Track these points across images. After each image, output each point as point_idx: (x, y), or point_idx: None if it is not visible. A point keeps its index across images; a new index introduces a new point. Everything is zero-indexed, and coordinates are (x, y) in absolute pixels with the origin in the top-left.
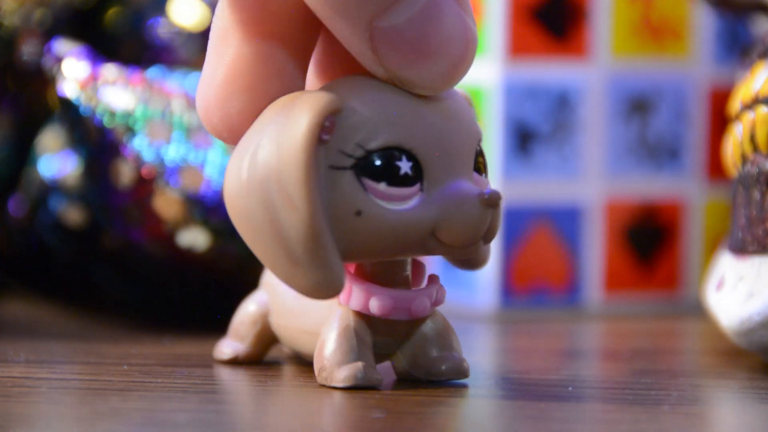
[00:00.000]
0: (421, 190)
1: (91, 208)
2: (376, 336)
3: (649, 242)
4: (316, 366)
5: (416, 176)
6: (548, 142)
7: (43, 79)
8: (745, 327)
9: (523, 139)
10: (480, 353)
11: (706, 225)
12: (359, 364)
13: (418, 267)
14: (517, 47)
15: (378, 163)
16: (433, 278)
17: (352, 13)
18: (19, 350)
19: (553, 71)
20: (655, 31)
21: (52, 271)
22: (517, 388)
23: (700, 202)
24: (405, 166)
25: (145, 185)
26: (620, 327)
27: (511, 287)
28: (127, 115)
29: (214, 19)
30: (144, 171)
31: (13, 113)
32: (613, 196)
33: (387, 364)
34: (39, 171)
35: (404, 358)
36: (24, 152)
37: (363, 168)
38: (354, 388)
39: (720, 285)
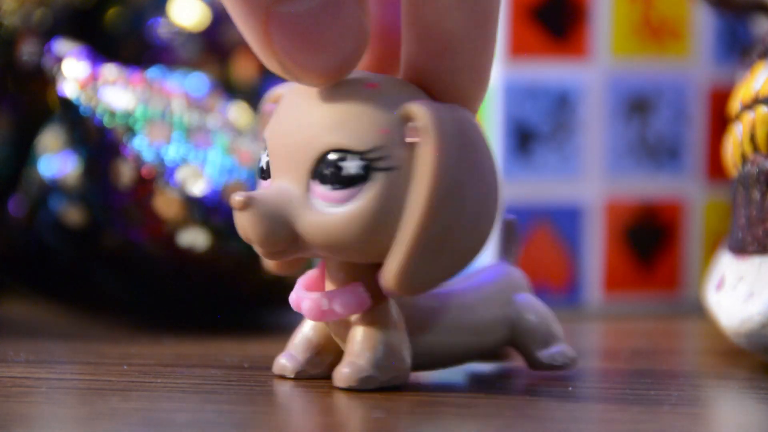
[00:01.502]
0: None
1: (91, 208)
2: (335, 335)
3: (649, 242)
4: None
5: (268, 172)
6: (548, 142)
7: (43, 79)
8: (745, 327)
9: (523, 139)
10: None
11: (706, 225)
12: (297, 360)
13: (340, 272)
14: (517, 47)
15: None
16: (353, 283)
17: None
18: (19, 350)
19: (553, 71)
20: (655, 31)
21: (52, 271)
22: (518, 388)
23: (700, 202)
24: (263, 159)
25: (145, 185)
26: (620, 327)
27: None
28: (127, 115)
29: None
30: (144, 171)
31: (13, 113)
32: (613, 196)
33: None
34: (39, 171)
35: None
36: (24, 152)
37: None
38: (279, 376)
39: (720, 285)
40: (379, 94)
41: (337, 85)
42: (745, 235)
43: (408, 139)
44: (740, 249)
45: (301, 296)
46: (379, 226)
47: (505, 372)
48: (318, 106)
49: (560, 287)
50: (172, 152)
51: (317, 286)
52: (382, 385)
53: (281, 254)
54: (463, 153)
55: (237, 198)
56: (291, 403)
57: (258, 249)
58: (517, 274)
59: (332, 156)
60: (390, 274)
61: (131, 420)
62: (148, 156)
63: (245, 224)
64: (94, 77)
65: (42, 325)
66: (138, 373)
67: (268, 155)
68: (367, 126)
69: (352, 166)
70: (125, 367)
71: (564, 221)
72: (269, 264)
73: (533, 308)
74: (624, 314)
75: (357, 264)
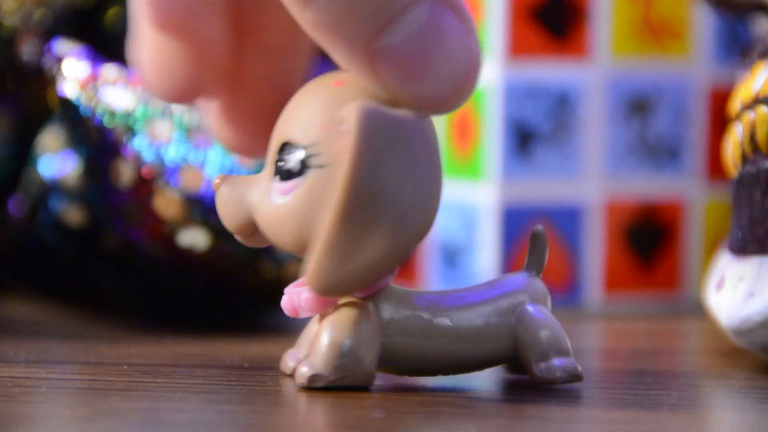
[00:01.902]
0: None
1: (91, 208)
2: None
3: (649, 242)
4: None
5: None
6: (548, 142)
7: (43, 79)
8: (745, 327)
9: (523, 139)
10: None
11: (706, 225)
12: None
13: None
14: (517, 47)
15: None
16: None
17: (349, 34)
18: (19, 350)
19: (553, 71)
20: (655, 31)
21: (52, 271)
22: (518, 388)
23: (700, 202)
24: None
25: (145, 185)
26: (620, 327)
27: None
28: (127, 115)
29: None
30: (144, 171)
31: (13, 113)
32: (613, 196)
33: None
34: (39, 171)
35: None
36: (24, 152)
37: None
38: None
39: (720, 285)
40: (340, 91)
41: (315, 81)
42: (745, 235)
43: (338, 139)
44: (740, 249)
45: (285, 291)
46: (306, 221)
47: (505, 372)
48: (293, 102)
49: (560, 287)
50: (172, 152)
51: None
52: (331, 384)
53: (250, 238)
54: (389, 158)
55: (214, 178)
56: (291, 403)
57: (236, 233)
58: (536, 286)
59: (283, 149)
60: (307, 272)
61: (131, 420)
62: (148, 156)
63: (216, 204)
64: (94, 77)
65: (42, 325)
66: (138, 373)
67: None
68: (312, 121)
69: (292, 160)
70: (125, 367)
71: (564, 221)
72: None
73: (536, 319)
74: (624, 314)
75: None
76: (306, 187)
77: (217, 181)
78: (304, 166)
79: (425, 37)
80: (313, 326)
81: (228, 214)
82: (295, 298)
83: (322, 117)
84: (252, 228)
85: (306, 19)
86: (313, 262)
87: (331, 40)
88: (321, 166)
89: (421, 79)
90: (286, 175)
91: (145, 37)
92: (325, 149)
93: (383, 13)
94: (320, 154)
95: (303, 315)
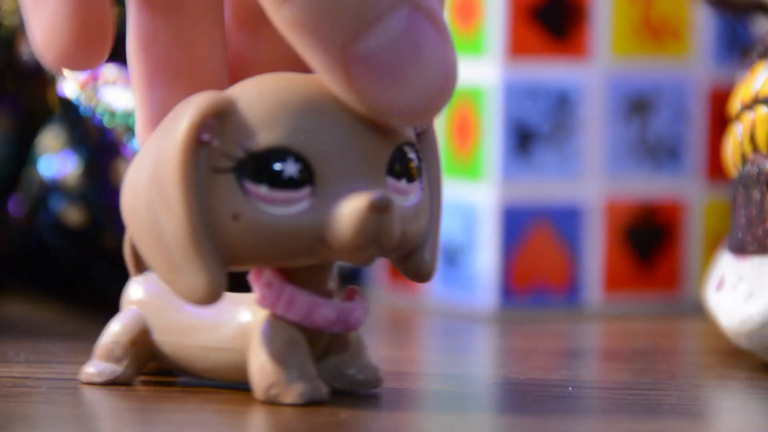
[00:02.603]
0: (314, 194)
1: (91, 208)
2: (311, 345)
3: (649, 242)
4: (263, 383)
5: (305, 179)
6: (548, 142)
7: (43, 79)
8: (745, 327)
9: (523, 139)
10: (480, 353)
11: (706, 225)
12: (312, 380)
13: (329, 276)
14: (517, 47)
15: (259, 165)
16: (353, 291)
17: (325, 37)
18: (19, 350)
19: (553, 71)
20: (655, 31)
21: (52, 271)
22: (517, 389)
23: (700, 202)
24: (291, 168)
25: None
26: (620, 327)
27: (511, 287)
28: (127, 115)
29: None
30: None
31: (13, 113)
32: (613, 196)
33: None
34: (39, 171)
35: (325, 370)
36: (24, 152)
37: (244, 170)
38: (307, 404)
39: (720, 285)
40: None
41: None
42: (745, 235)
43: (416, 129)
44: (740, 249)
45: (347, 308)
46: (428, 214)
47: (504, 372)
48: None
49: (560, 287)
50: None
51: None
52: None
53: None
54: None
55: (385, 200)
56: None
57: (372, 255)
58: None
59: (406, 150)
60: (430, 260)
61: (131, 420)
62: None
63: (383, 227)
64: (94, 77)
65: (42, 325)
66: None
67: (297, 161)
68: None
69: (415, 158)
70: None
71: (564, 221)
72: None
73: None
74: (624, 314)
75: (333, 270)
76: (424, 181)
77: (387, 202)
78: (420, 162)
79: (402, 44)
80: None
81: (399, 234)
82: (366, 306)
83: None
84: None
85: (281, 18)
86: (434, 249)
87: (307, 41)
88: (422, 159)
89: (396, 88)
90: (414, 174)
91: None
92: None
93: (362, 18)
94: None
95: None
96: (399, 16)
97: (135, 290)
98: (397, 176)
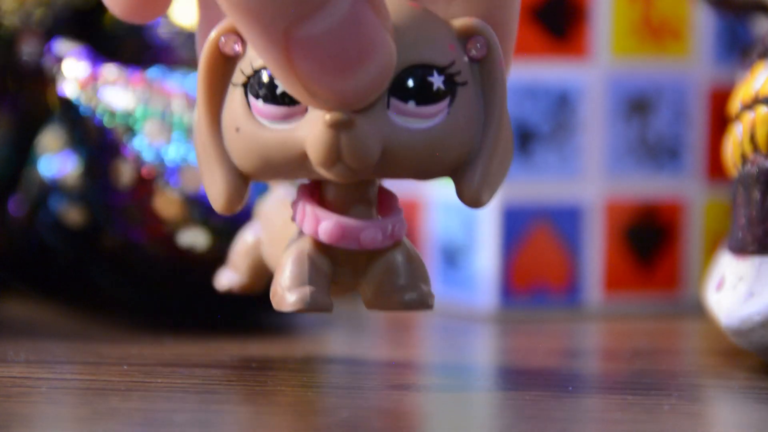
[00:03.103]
0: (306, 111)
1: (91, 208)
2: (337, 265)
3: (649, 242)
4: (271, 290)
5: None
6: (548, 142)
7: (43, 79)
8: (745, 327)
9: (523, 139)
10: (480, 353)
11: (706, 225)
12: (307, 289)
13: (387, 197)
14: (517, 47)
15: (260, 80)
16: (393, 210)
17: (267, 20)
18: (19, 350)
19: (553, 71)
20: (655, 31)
21: (52, 271)
22: (517, 388)
23: (700, 202)
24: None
25: (145, 185)
26: (620, 327)
27: (511, 287)
28: (127, 115)
29: None
30: (144, 171)
31: (13, 113)
32: (613, 196)
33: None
34: (39, 171)
35: (369, 289)
36: (24, 152)
37: (250, 86)
38: (303, 311)
39: (720, 285)
40: (425, 11)
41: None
42: (745, 235)
43: (473, 53)
44: (740, 249)
45: (354, 224)
46: (463, 139)
47: (504, 372)
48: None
49: (560, 287)
50: (172, 152)
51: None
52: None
53: (372, 174)
54: None
55: (336, 117)
56: (291, 403)
57: (347, 172)
58: None
59: (419, 72)
60: (476, 185)
61: (131, 420)
62: (148, 156)
63: (346, 143)
64: (94, 77)
65: (42, 325)
66: (138, 373)
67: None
68: (441, 41)
69: (438, 81)
70: (125, 367)
71: (564, 221)
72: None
73: None
74: (624, 314)
75: (369, 189)
76: (459, 105)
77: (348, 117)
78: (449, 85)
79: (344, 29)
80: (313, 257)
81: (369, 151)
82: (388, 229)
83: (444, 37)
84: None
85: (226, 0)
86: (483, 175)
87: (249, 24)
88: (464, 83)
89: (335, 72)
90: (430, 97)
91: None
92: (462, 67)
93: (304, 3)
94: (461, 72)
95: (381, 247)
96: (341, 2)
97: (260, 203)
98: (404, 98)
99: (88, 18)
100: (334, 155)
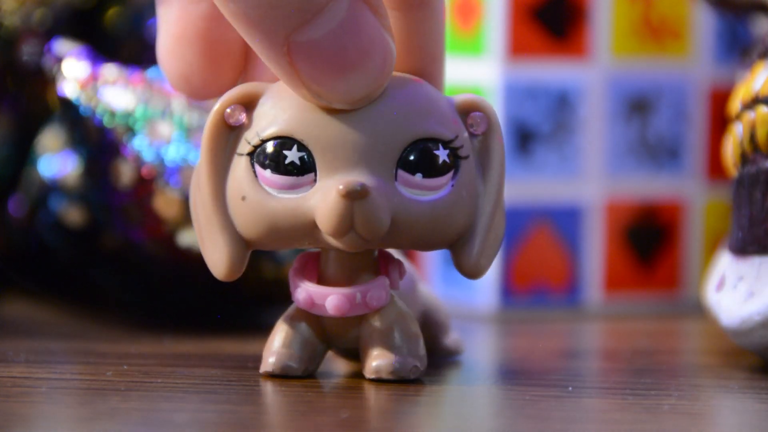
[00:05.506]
0: (315, 181)
1: (91, 208)
2: (332, 331)
3: (649, 242)
4: None
5: (308, 167)
6: (548, 142)
7: (43, 79)
8: (745, 327)
9: (523, 139)
10: (480, 353)
11: (706, 225)
12: (278, 355)
13: (389, 264)
14: (517, 47)
15: (266, 151)
16: (376, 277)
17: (269, 27)
18: (19, 350)
19: (553, 71)
20: (655, 31)
21: (52, 271)
22: (517, 388)
23: (700, 202)
24: (293, 155)
25: (145, 185)
26: (620, 327)
27: (511, 287)
28: (127, 115)
29: None
30: (144, 171)
31: (13, 113)
32: (613, 196)
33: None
34: (39, 171)
35: (360, 354)
36: (24, 152)
37: (257, 155)
38: (274, 374)
39: (720, 285)
40: (428, 87)
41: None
42: (745, 235)
43: (473, 129)
44: (740, 249)
45: (321, 292)
46: (466, 211)
47: (504, 372)
48: (385, 99)
49: (560, 287)
50: (172, 152)
51: (314, 280)
52: (421, 375)
53: (379, 243)
54: None
55: (352, 187)
56: (291, 403)
57: (358, 241)
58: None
59: (425, 145)
60: (474, 258)
61: (131, 420)
62: (148, 156)
63: (360, 214)
64: (94, 77)
65: (42, 325)
66: (138, 373)
67: (300, 150)
68: (446, 116)
69: (443, 155)
70: (125, 367)
71: (564, 221)
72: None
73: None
74: (624, 314)
75: (370, 257)
76: (462, 179)
77: (361, 188)
78: (453, 159)
79: (344, 32)
80: (299, 325)
81: (382, 221)
82: (357, 297)
83: (448, 112)
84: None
85: (228, 10)
86: (480, 248)
87: (252, 32)
88: (467, 157)
89: (337, 74)
90: (436, 170)
91: (169, 47)
92: (464, 141)
93: (304, 8)
94: (464, 146)
95: (360, 313)
96: (341, 4)
97: None
98: (411, 170)
99: (88, 18)
100: (347, 225)
